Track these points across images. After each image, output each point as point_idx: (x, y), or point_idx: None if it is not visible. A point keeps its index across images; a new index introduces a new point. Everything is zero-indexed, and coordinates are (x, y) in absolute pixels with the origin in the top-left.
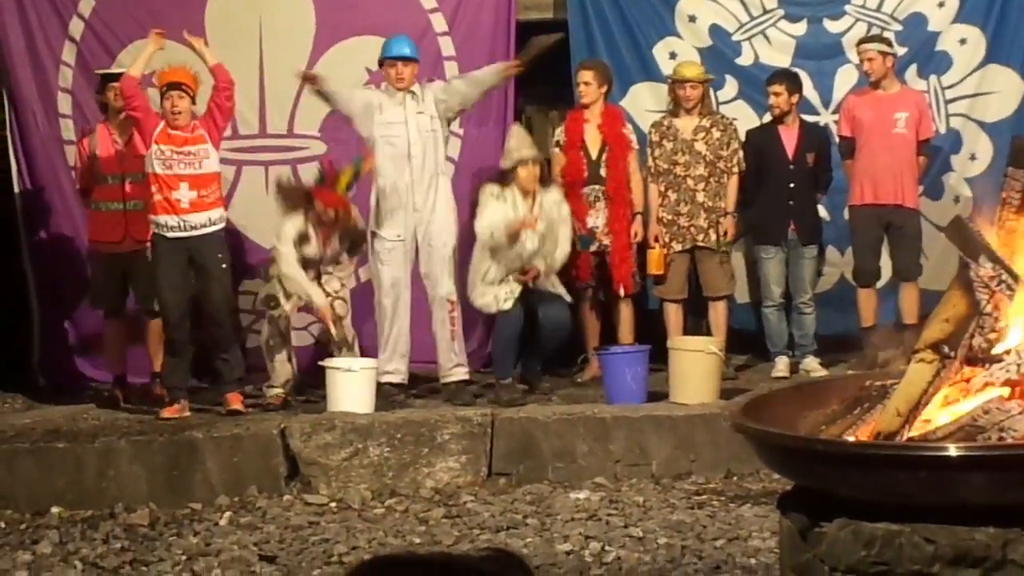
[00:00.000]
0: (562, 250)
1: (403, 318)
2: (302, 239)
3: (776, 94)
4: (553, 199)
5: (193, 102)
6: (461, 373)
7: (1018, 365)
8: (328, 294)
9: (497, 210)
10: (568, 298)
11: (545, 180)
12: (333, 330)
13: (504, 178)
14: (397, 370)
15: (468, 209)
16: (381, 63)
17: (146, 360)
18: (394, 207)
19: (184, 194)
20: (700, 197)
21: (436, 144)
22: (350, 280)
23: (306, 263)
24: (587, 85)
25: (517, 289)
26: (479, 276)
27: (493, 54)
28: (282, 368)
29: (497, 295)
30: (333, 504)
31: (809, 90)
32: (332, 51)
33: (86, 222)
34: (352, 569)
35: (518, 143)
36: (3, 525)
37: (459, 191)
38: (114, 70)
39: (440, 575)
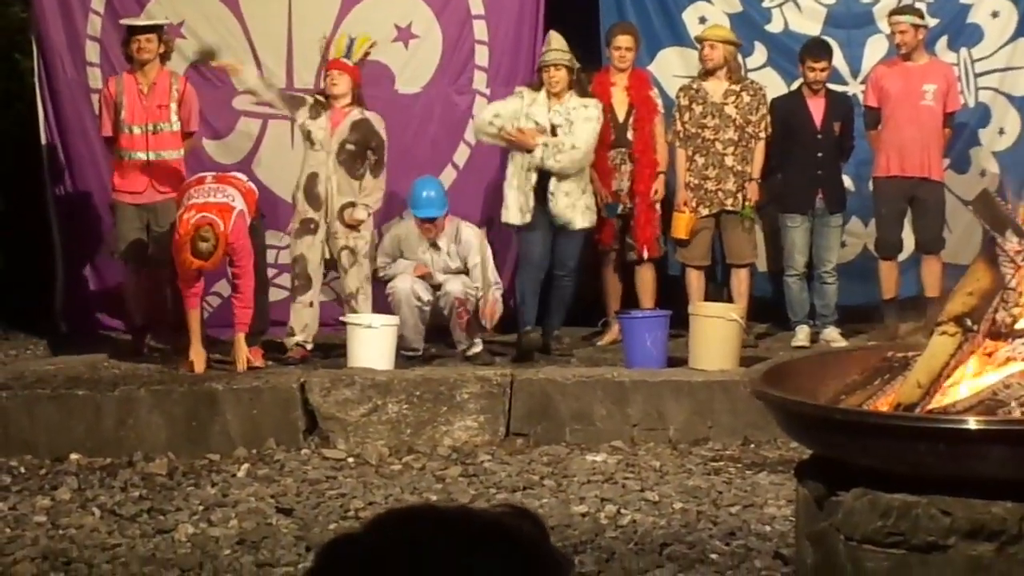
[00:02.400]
0: (582, 141)
1: (415, 311)
2: (312, 112)
3: (823, 70)
4: (582, 102)
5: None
6: (478, 347)
7: None
8: (343, 243)
9: (510, 103)
10: (593, 209)
11: (582, 91)
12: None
13: (536, 80)
14: (413, 348)
15: (495, 173)
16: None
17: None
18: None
19: None
20: (729, 161)
21: (458, 271)
22: (377, 204)
23: (311, 142)
24: (628, 51)
25: (531, 195)
26: (507, 183)
27: (522, 14)
28: (304, 312)
29: (521, 206)
30: (350, 459)
31: (838, 59)
32: (360, 6)
33: (111, 171)
34: (370, 520)
35: (547, 47)
36: (23, 470)
37: (484, 151)
38: (141, 21)
39: (459, 528)
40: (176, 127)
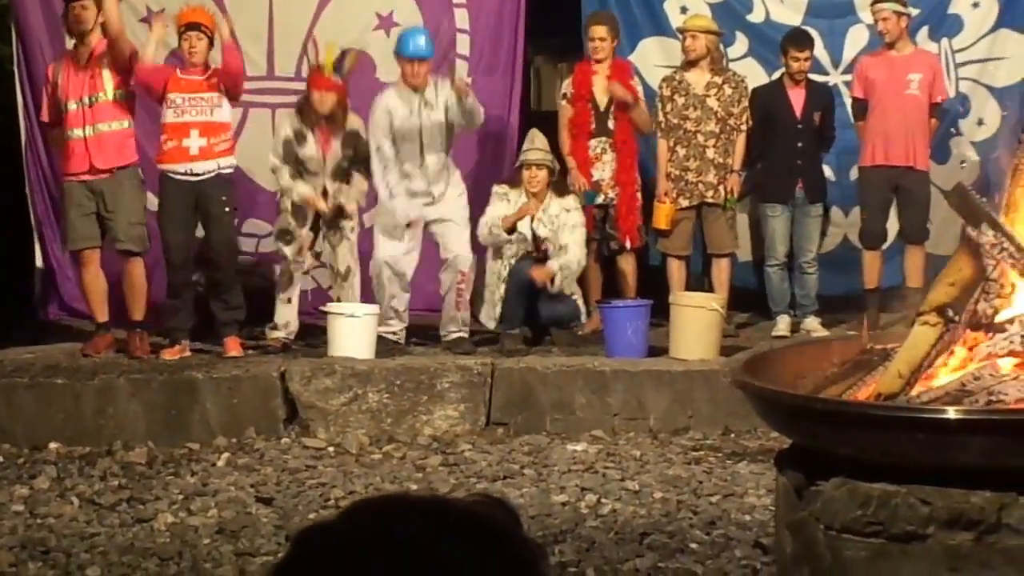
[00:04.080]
0: (574, 255)
1: (404, 285)
2: (298, 137)
3: (807, 59)
4: (563, 205)
5: (211, 44)
6: (462, 333)
7: (1021, 336)
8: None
9: (498, 208)
10: (582, 305)
11: (561, 189)
12: (325, 208)
13: (516, 177)
14: (394, 332)
15: (475, 164)
16: (396, 55)
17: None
18: (404, 193)
19: (194, 141)
20: (710, 153)
21: (444, 137)
22: (363, 199)
23: (306, 169)
24: (603, 41)
25: (500, 301)
26: (491, 295)
27: (504, 2)
28: (285, 309)
29: (486, 309)
30: (331, 448)
31: (819, 50)
32: None
33: (58, 157)
34: (344, 510)
35: (528, 145)
36: (1, 459)
37: (466, 141)
38: None
39: (432, 517)
40: (113, 95)
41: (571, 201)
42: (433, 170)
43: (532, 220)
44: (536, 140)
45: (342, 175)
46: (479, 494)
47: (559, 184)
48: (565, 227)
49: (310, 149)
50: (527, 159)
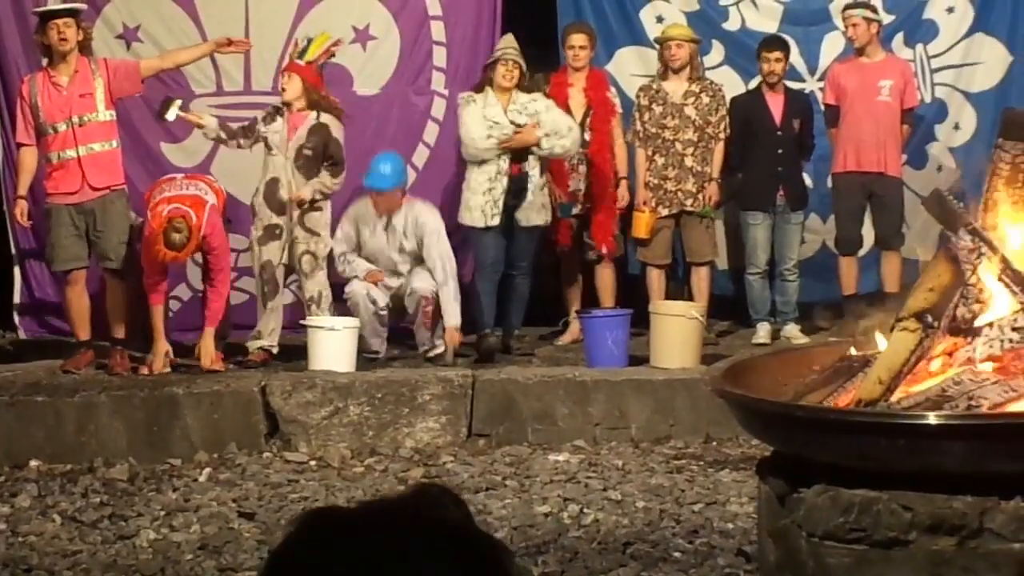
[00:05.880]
0: (568, 120)
1: (373, 314)
2: (268, 117)
3: (777, 60)
4: (529, 98)
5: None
6: (440, 348)
7: (1000, 340)
8: (303, 247)
9: (475, 114)
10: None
11: (528, 88)
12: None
13: (482, 83)
14: (374, 351)
15: (453, 174)
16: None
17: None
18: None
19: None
20: (688, 162)
21: (414, 254)
22: (326, 189)
23: (267, 145)
24: (583, 49)
25: (501, 199)
26: (467, 187)
27: (480, 15)
28: (271, 316)
29: (484, 210)
30: (312, 462)
31: (795, 57)
32: (318, 8)
33: (43, 177)
34: (292, 525)
35: (503, 44)
36: None
37: (443, 152)
38: (55, 7)
39: (383, 525)
40: (105, 116)
41: (537, 95)
42: (403, 269)
43: (506, 112)
44: (507, 40)
45: (305, 165)
46: (418, 485)
47: (523, 86)
48: (540, 111)
49: (276, 126)
50: (504, 55)
